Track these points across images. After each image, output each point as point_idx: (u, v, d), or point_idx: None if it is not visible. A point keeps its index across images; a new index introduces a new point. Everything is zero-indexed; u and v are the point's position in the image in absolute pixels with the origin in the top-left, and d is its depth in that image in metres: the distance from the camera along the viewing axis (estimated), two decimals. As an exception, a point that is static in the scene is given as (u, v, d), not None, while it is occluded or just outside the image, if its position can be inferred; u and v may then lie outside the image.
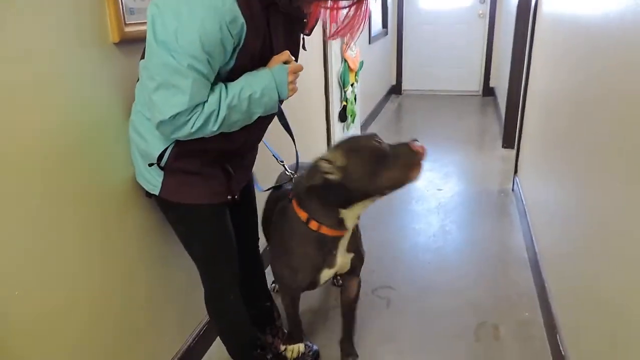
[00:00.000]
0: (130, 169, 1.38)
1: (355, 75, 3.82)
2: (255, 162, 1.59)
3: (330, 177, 1.30)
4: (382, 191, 1.34)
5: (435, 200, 3.18)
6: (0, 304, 1.07)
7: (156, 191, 1.31)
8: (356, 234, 1.59)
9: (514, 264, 2.42)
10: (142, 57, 1.18)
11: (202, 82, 1.10)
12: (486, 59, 5.86)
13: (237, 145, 1.32)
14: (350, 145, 1.34)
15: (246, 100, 1.16)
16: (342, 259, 1.54)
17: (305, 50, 1.42)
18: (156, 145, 1.25)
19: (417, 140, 1.36)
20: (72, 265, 1.26)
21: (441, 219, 2.91)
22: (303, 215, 1.43)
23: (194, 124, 1.13)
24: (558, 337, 1.73)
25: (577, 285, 1.60)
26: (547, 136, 2.25)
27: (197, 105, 1.12)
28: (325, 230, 1.42)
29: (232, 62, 1.15)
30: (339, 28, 1.24)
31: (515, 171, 3.26)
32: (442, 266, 2.43)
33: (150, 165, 1.29)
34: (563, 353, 1.65)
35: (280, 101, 1.27)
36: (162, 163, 1.26)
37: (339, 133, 3.67)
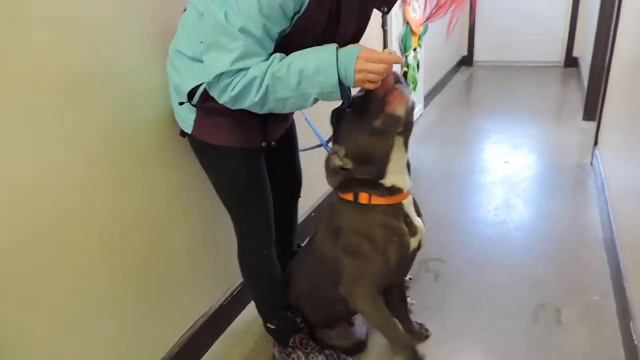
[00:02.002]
0: (167, 106, 1.35)
1: (419, 40, 3.58)
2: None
3: (347, 166, 1.26)
4: (378, 150, 1.23)
5: (500, 172, 2.92)
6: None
7: (189, 129, 1.26)
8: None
9: (586, 244, 2.14)
10: None
11: (253, 47, 1.03)
12: (570, 25, 5.31)
13: None
14: (340, 131, 1.27)
15: (296, 75, 1.04)
16: (420, 223, 1.38)
17: (386, 30, 1.33)
18: (189, 81, 1.20)
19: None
20: (105, 201, 1.25)
21: (505, 192, 2.66)
22: (348, 195, 1.31)
23: (234, 87, 1.05)
24: (631, 326, 1.49)
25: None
26: (634, 106, 1.94)
27: (242, 69, 1.05)
28: (376, 199, 1.28)
29: (289, 28, 1.07)
30: (438, 6, 1.12)
31: (595, 143, 2.90)
32: (502, 241, 2.21)
33: (181, 104, 1.25)
34: (636, 343, 1.42)
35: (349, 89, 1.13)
36: (194, 101, 1.21)
37: (399, 101, 3.47)
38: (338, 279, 1.38)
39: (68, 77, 1.10)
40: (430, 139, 3.59)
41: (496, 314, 1.75)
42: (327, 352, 1.57)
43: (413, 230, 1.34)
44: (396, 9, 3.17)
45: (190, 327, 1.63)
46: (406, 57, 3.41)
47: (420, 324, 1.67)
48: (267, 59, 1.07)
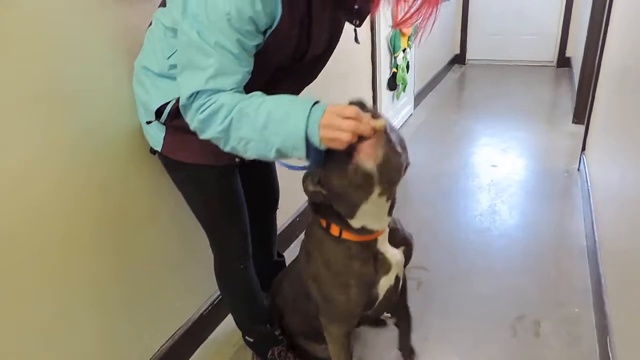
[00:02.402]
0: (137, 123, 1.31)
1: (408, 40, 3.56)
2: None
3: (323, 193, 1.10)
4: (349, 203, 1.07)
5: (487, 177, 2.91)
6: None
7: (159, 147, 1.23)
8: (397, 225, 1.30)
9: (569, 254, 2.14)
10: (162, 4, 1.16)
11: (228, 64, 0.98)
12: (563, 24, 5.29)
13: None
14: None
15: (264, 116, 0.95)
16: (395, 256, 1.25)
17: (359, 43, 1.29)
18: (156, 98, 1.17)
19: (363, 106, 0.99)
20: (77, 215, 1.23)
21: (491, 198, 2.65)
22: (323, 221, 1.21)
23: (204, 110, 0.99)
24: (608, 341, 1.49)
25: (638, 286, 1.35)
26: (621, 112, 1.93)
27: (217, 90, 0.99)
28: (347, 235, 1.17)
29: (262, 44, 1.03)
30: (405, 16, 1.03)
31: (583, 149, 2.90)
32: (486, 249, 2.20)
33: (149, 122, 1.22)
34: (611, 358, 1.42)
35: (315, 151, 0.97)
36: (162, 119, 1.17)
37: (388, 102, 3.46)
38: (315, 301, 1.35)
39: (31, 95, 1.08)
40: (419, 140, 3.58)
41: (476, 324, 1.75)
42: (305, 364, 1.57)
43: (386, 267, 1.23)
44: (386, 11, 3.15)
45: (170, 338, 1.62)
46: (395, 57, 3.39)
47: (412, 350, 1.62)
48: (244, 78, 1.03)
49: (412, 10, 1.03)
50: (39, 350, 1.18)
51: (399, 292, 1.40)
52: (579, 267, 2.03)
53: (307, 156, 0.97)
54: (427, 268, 2.09)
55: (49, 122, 1.13)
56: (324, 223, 1.21)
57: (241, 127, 0.98)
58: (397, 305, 1.53)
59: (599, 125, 2.53)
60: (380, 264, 1.22)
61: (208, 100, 1.00)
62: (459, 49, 5.80)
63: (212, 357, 1.70)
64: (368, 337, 1.72)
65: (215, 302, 1.79)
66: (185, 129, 1.16)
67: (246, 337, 1.59)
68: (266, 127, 0.96)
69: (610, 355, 1.44)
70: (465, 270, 2.07)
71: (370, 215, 1.12)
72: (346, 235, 1.18)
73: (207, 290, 1.78)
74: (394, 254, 1.26)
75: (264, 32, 1.02)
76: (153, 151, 1.30)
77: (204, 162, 1.24)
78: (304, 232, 1.36)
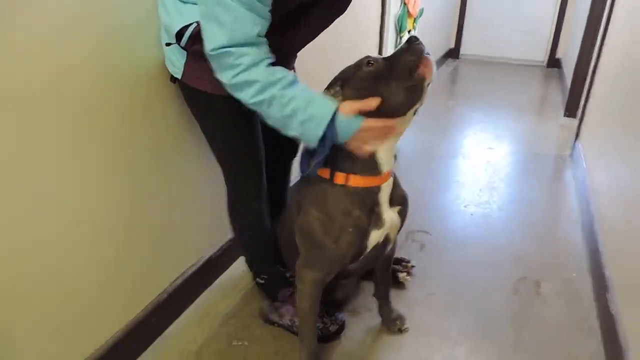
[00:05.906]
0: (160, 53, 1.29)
1: (414, 22, 3.61)
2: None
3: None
4: (398, 109, 1.12)
5: (484, 157, 2.99)
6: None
7: (178, 74, 1.22)
8: (396, 180, 1.30)
9: (564, 226, 2.23)
10: None
11: (246, 16, 1.00)
12: (556, 26, 5.44)
13: (276, 46, 1.17)
14: (342, 76, 1.17)
15: (290, 109, 1.06)
16: (390, 215, 1.25)
17: None
18: (178, 21, 1.15)
19: (417, 40, 1.15)
20: (93, 139, 1.20)
21: (489, 175, 2.73)
22: (325, 172, 1.20)
23: (237, 75, 1.04)
24: (607, 296, 1.57)
25: (635, 254, 1.43)
26: (619, 104, 2.03)
27: (243, 45, 1.02)
28: (355, 180, 1.17)
29: None
30: None
31: (577, 137, 3.01)
32: (485, 220, 2.27)
33: (168, 44, 1.21)
34: (612, 312, 1.49)
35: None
36: (183, 42, 1.15)
37: (390, 81, 3.49)
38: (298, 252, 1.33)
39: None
40: (414, 122, 3.63)
41: (480, 284, 1.81)
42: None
43: (379, 223, 1.22)
44: (396, -12, 3.19)
45: (180, 276, 1.62)
46: (401, 37, 3.43)
47: (400, 316, 1.58)
48: (264, 27, 1.05)
49: None
50: (53, 277, 1.18)
51: (384, 255, 1.39)
52: (574, 239, 2.11)
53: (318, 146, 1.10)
54: (430, 232, 2.14)
55: (67, 38, 1.10)
56: (326, 174, 1.19)
57: (269, 110, 1.07)
58: (379, 269, 1.51)
59: (596, 116, 2.63)
60: (375, 217, 1.22)
61: (239, 65, 1.02)
62: (454, 43, 5.89)
63: (220, 299, 1.70)
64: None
65: (225, 247, 1.80)
66: (206, 56, 1.15)
67: (257, 279, 1.59)
68: (290, 118, 1.07)
69: (610, 308, 1.51)
70: (466, 237, 2.12)
71: (391, 144, 1.19)
72: (353, 180, 1.17)
73: (220, 233, 1.77)
74: (390, 214, 1.25)
75: None
76: (173, 79, 1.27)
77: (224, 93, 1.19)
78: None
